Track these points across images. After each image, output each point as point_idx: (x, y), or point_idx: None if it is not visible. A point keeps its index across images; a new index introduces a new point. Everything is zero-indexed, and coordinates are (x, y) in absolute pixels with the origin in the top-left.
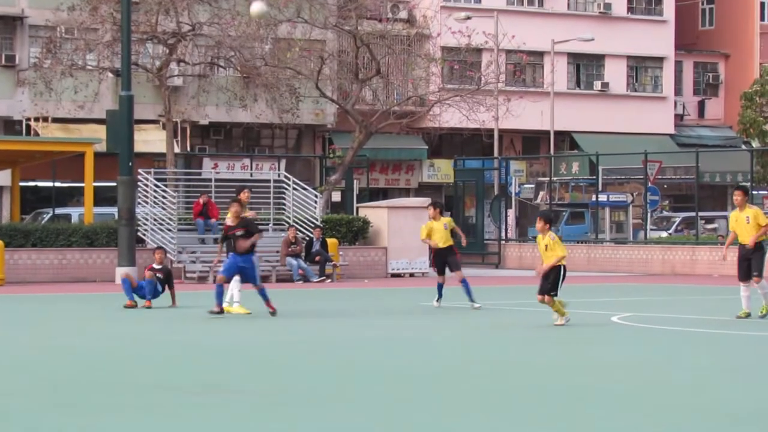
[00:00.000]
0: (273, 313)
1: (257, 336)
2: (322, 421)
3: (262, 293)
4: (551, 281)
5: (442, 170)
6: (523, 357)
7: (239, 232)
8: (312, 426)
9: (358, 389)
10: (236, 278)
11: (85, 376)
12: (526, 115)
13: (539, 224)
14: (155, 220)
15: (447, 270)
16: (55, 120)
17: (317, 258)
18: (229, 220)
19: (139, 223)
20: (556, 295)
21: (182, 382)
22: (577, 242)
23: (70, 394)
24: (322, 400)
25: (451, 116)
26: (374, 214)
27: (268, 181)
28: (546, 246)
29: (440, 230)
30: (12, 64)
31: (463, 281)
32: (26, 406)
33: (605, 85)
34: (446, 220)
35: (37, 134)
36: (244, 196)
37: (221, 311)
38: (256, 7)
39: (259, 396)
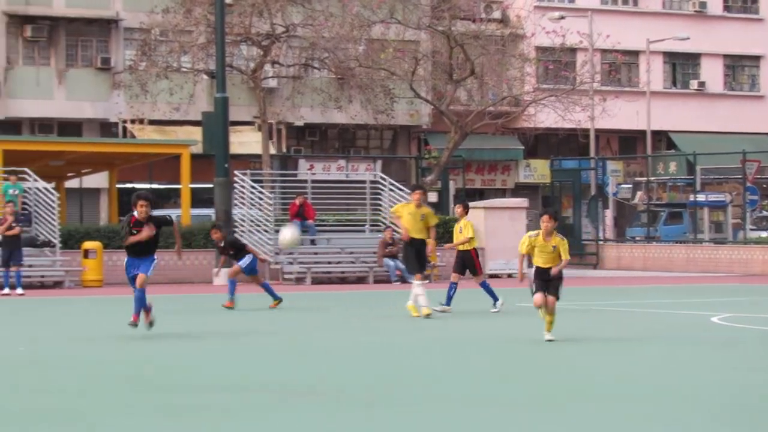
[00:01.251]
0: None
1: (356, 337)
2: (426, 423)
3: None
4: (558, 285)
5: (538, 170)
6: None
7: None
8: (413, 428)
9: (476, 390)
10: (418, 282)
11: (182, 376)
12: (622, 114)
13: (551, 223)
14: (251, 221)
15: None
16: (151, 122)
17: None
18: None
19: (236, 224)
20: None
21: (276, 383)
22: (676, 242)
23: (169, 395)
24: (428, 401)
25: (547, 116)
26: (471, 214)
27: (364, 182)
28: (557, 247)
29: (456, 232)
30: (107, 66)
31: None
32: (123, 407)
33: (702, 84)
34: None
35: (133, 136)
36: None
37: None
38: (288, 236)
39: (357, 397)
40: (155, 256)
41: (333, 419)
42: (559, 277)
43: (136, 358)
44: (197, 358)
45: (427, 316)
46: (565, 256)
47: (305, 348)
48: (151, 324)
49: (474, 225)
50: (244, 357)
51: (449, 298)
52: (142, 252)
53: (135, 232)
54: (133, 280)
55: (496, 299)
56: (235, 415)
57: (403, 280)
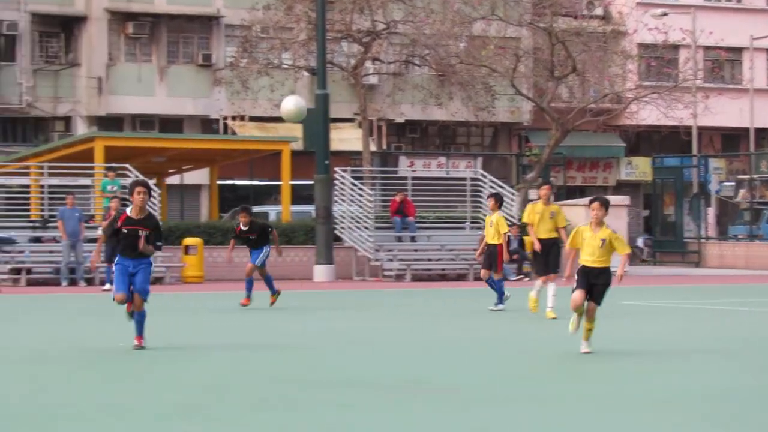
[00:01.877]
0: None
1: (457, 332)
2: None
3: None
4: (604, 290)
5: (639, 168)
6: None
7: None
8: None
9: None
10: (552, 284)
11: (285, 372)
12: (725, 112)
13: (600, 212)
14: (352, 218)
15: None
16: (252, 119)
17: (515, 256)
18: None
19: (336, 221)
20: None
21: (383, 378)
22: None
23: (296, 390)
24: (520, 400)
25: (649, 114)
26: (572, 212)
27: (465, 179)
28: (606, 240)
29: (487, 226)
30: (209, 63)
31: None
32: (256, 402)
33: None
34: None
35: (234, 133)
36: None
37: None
38: (290, 105)
39: (461, 393)
40: (151, 260)
41: (464, 416)
42: (607, 282)
43: (255, 354)
44: (315, 353)
45: (552, 318)
46: (624, 250)
47: (421, 344)
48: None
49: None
50: (357, 353)
51: (501, 294)
52: (138, 253)
53: (125, 231)
54: (124, 285)
55: (501, 301)
56: (356, 410)
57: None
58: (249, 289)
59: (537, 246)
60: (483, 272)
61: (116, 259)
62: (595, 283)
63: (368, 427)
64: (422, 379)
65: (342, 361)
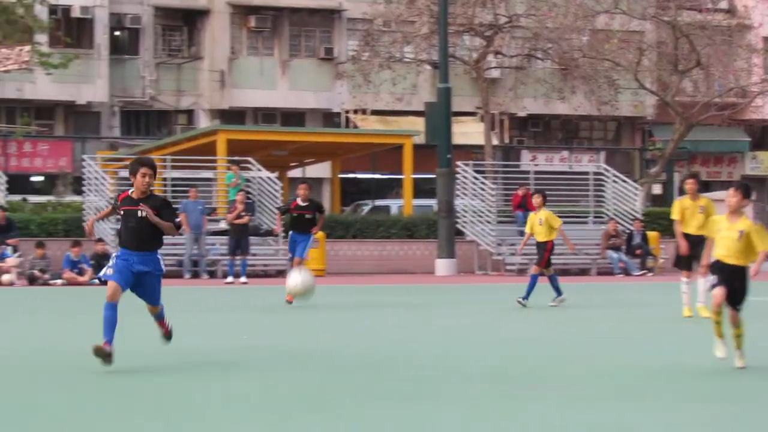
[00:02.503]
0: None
1: (583, 328)
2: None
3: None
4: (743, 289)
5: (765, 163)
6: None
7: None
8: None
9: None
10: (685, 281)
11: (408, 365)
12: None
13: (736, 198)
14: (474, 212)
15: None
16: (374, 112)
17: (638, 251)
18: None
19: (458, 215)
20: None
21: (507, 372)
22: None
23: (387, 383)
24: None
25: None
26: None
27: (588, 173)
28: (744, 232)
29: (535, 224)
30: (330, 57)
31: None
32: (368, 394)
33: None
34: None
35: (355, 126)
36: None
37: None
38: (299, 282)
39: (578, 391)
40: (158, 258)
41: (566, 412)
42: (745, 285)
43: (363, 346)
44: (440, 347)
45: (688, 317)
46: (763, 246)
47: (529, 339)
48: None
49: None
50: (465, 345)
51: (528, 292)
52: (142, 242)
53: (122, 213)
54: (123, 280)
55: (527, 297)
56: (461, 404)
57: (626, 272)
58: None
59: (683, 248)
60: (535, 268)
61: (118, 251)
62: (731, 285)
63: (497, 422)
64: (544, 374)
65: (469, 355)
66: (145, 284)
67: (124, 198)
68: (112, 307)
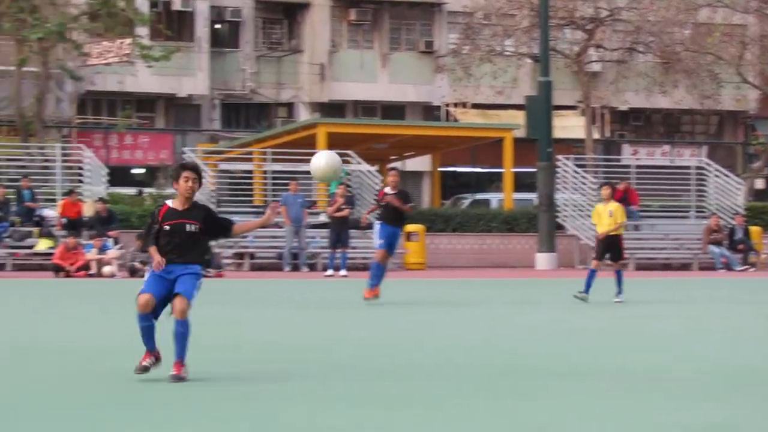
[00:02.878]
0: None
1: (692, 324)
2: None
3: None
4: None
5: None
6: None
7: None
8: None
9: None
10: None
11: (514, 361)
12: None
13: None
14: (574, 206)
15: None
16: (474, 105)
17: (740, 246)
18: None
19: (558, 209)
20: None
21: (617, 368)
22: None
23: (482, 378)
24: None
25: None
26: None
27: (689, 167)
28: None
29: (604, 215)
30: (431, 50)
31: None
32: (480, 390)
33: None
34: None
35: (456, 120)
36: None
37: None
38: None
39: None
40: (200, 268)
41: (679, 408)
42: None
43: (470, 342)
44: (534, 343)
45: None
46: None
47: (649, 334)
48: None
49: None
50: (586, 342)
51: (588, 286)
52: (189, 256)
53: (167, 228)
54: (161, 299)
55: (621, 291)
56: (573, 400)
57: (729, 267)
58: (379, 277)
59: None
60: (595, 263)
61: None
62: None
63: (604, 417)
64: (660, 368)
65: (570, 350)
66: (183, 280)
67: (166, 212)
68: (146, 318)
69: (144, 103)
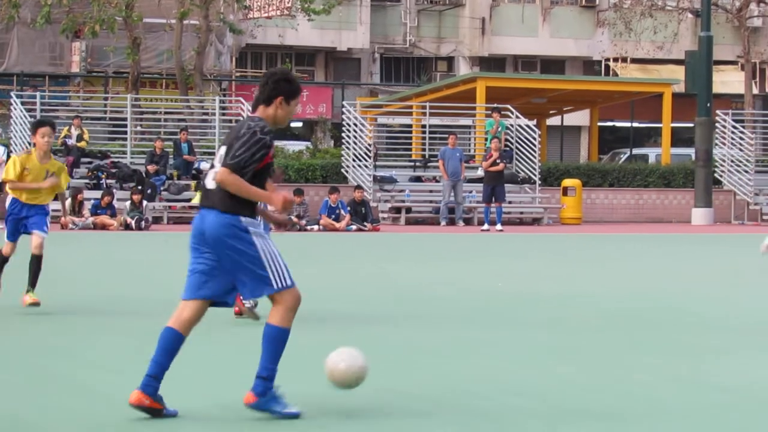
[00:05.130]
0: None
1: None
2: None
3: None
4: None
5: None
6: None
7: None
8: None
9: None
10: None
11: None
12: None
13: None
14: (732, 161)
15: None
16: (633, 60)
17: None
18: None
19: (716, 164)
20: None
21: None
22: None
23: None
24: None
25: None
26: None
27: None
28: None
29: None
30: (592, 4)
31: None
32: (632, 344)
33: None
34: None
35: (615, 74)
36: None
37: None
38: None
39: None
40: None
41: None
42: None
43: (622, 294)
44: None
45: None
46: None
47: None
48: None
49: None
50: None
51: None
52: None
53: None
54: None
55: None
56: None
57: None
58: None
59: None
60: None
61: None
62: None
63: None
64: None
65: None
66: None
67: None
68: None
69: (303, 56)
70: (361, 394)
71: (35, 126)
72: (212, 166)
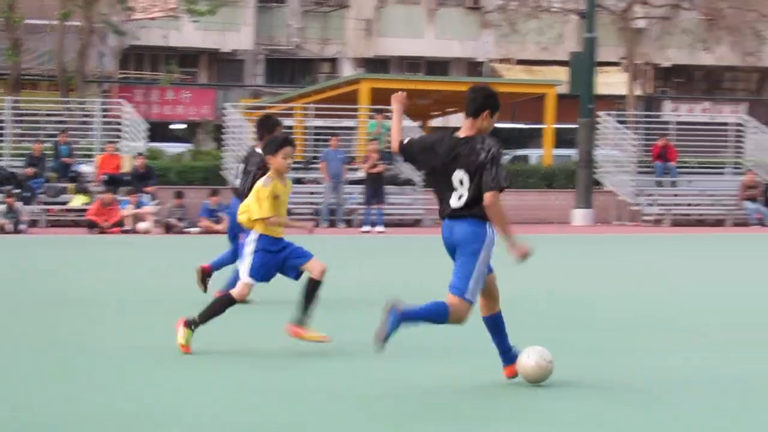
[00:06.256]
0: None
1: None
2: None
3: None
4: None
5: None
6: None
7: None
8: None
9: None
10: None
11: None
12: None
13: None
14: (614, 162)
15: None
16: (519, 62)
17: None
18: None
19: (597, 165)
20: None
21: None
22: None
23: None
24: None
25: None
26: None
27: (728, 124)
28: None
29: None
30: (478, 6)
31: None
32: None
33: None
34: None
35: (500, 76)
36: None
37: None
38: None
39: None
40: None
41: None
42: None
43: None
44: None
45: None
46: None
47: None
48: None
49: None
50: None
51: None
52: None
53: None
54: None
55: None
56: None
57: (762, 223)
58: None
59: None
60: None
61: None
62: None
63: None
64: None
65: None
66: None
67: None
68: None
69: (187, 58)
70: None
71: None
72: None
